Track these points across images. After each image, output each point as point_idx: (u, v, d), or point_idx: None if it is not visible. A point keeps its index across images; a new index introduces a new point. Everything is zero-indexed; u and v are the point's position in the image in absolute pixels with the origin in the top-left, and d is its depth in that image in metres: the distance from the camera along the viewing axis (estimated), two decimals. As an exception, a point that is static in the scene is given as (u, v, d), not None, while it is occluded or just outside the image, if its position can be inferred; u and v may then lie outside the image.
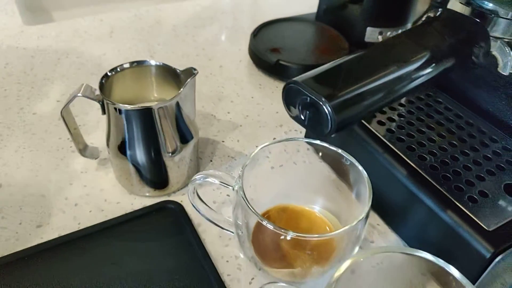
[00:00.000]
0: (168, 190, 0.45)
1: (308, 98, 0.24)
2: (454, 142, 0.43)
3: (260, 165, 0.36)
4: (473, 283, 0.29)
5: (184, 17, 0.78)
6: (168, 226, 0.41)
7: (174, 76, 0.43)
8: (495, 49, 0.35)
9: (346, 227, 0.28)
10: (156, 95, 0.46)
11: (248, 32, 0.68)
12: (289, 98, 0.26)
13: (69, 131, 0.43)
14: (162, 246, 0.39)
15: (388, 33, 0.62)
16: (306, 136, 0.49)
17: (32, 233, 0.40)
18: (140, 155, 0.41)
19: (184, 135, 0.43)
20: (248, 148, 0.51)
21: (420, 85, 0.29)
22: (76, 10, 0.85)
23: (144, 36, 0.71)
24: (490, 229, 0.35)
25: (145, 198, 0.44)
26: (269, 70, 0.63)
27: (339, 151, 0.35)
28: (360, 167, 0.33)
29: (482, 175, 0.40)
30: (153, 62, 0.44)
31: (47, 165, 0.47)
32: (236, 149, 0.51)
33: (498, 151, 0.42)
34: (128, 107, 0.38)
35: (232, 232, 0.39)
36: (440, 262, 0.28)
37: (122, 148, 0.41)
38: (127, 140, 0.41)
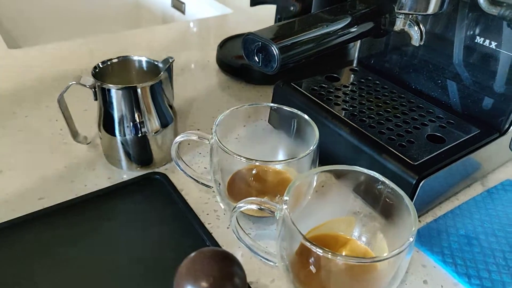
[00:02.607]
0: (153, 166, 0.52)
1: (260, 43, 0.33)
2: (389, 110, 0.52)
3: (231, 125, 0.44)
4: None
5: (158, 39, 0.87)
6: (155, 191, 0.48)
7: (154, 68, 0.51)
8: (406, 25, 0.46)
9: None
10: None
11: (215, 46, 0.78)
12: (247, 49, 0.35)
13: (65, 117, 0.50)
14: (151, 205, 0.46)
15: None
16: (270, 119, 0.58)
17: (35, 204, 0.46)
18: (128, 133, 0.49)
19: (165, 116, 0.51)
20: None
21: (345, 41, 0.39)
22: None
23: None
24: (415, 163, 0.44)
25: (134, 173, 0.51)
26: (235, 74, 0.72)
27: (294, 110, 0.44)
28: (313, 124, 0.42)
29: (410, 130, 0.49)
30: (136, 57, 0.52)
31: (41, 155, 0.54)
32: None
33: (423, 113, 0.52)
34: (117, 86, 0.46)
35: (210, 186, 0.46)
36: (372, 172, 0.36)
37: (112, 128, 0.49)
38: (116, 119, 0.48)
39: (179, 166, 0.46)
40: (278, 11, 0.79)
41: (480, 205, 0.48)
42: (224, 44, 0.77)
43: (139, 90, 0.47)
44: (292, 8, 0.74)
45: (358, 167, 0.37)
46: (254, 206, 0.36)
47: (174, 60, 0.49)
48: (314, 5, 0.70)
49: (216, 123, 0.42)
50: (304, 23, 0.37)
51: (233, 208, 0.36)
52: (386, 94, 0.56)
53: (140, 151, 0.51)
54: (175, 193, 0.48)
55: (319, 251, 0.31)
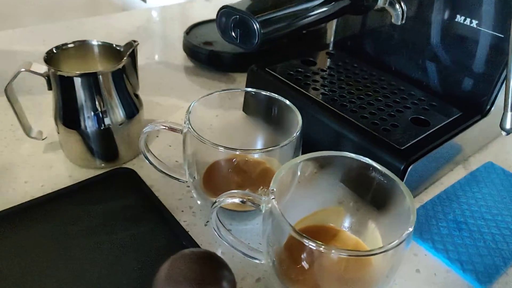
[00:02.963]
0: (119, 162, 0.47)
1: (238, 16, 0.29)
2: (369, 93, 0.50)
3: (203, 114, 0.40)
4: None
5: (120, 27, 0.81)
6: (123, 188, 0.44)
7: (116, 53, 0.47)
8: (387, 3, 0.43)
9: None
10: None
11: (181, 34, 0.73)
12: (223, 23, 0.31)
13: (14, 110, 0.44)
14: (119, 205, 0.41)
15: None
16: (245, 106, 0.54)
17: (-15, 208, 0.41)
18: (89, 125, 0.44)
19: (130, 106, 0.46)
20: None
21: (326, 16, 0.36)
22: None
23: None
24: (402, 148, 0.41)
25: (97, 170, 0.46)
26: (204, 62, 0.68)
27: (273, 95, 0.41)
28: (294, 108, 0.39)
29: (393, 113, 0.47)
30: (95, 42, 0.47)
31: (-8, 152, 0.48)
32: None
33: (404, 96, 0.50)
34: (74, 73, 0.41)
35: (184, 181, 0.42)
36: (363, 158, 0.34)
37: (71, 121, 0.44)
38: (75, 111, 0.43)
39: (148, 159, 0.42)
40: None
41: (465, 188, 0.47)
42: (191, 31, 0.72)
43: (100, 77, 0.42)
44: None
45: (346, 152, 0.34)
46: (236, 200, 0.32)
47: (138, 43, 0.45)
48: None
49: (189, 110, 0.38)
50: None
51: (213, 203, 0.33)
52: (366, 77, 0.54)
53: (104, 146, 0.46)
54: (145, 190, 0.43)
55: (311, 245, 0.28)
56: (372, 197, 0.35)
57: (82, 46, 0.47)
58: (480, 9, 0.45)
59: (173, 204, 0.43)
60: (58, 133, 0.46)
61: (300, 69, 0.54)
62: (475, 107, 0.48)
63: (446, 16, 0.48)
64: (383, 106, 0.48)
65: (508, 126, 0.38)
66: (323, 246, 0.28)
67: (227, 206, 0.40)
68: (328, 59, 0.57)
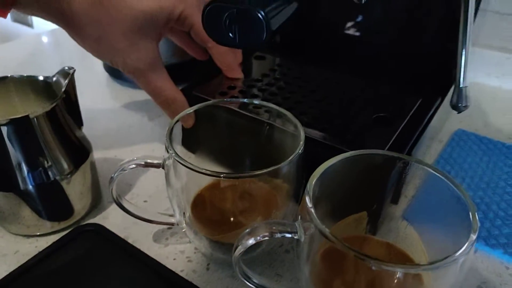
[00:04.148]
0: (74, 217, 0.38)
1: (235, 10, 0.23)
2: (319, 99, 0.44)
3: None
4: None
5: (12, 57, 0.69)
6: (92, 251, 0.35)
7: (45, 87, 0.37)
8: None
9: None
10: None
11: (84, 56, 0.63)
12: (214, 22, 0.25)
13: None
14: (99, 271, 0.33)
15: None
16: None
17: None
18: (30, 183, 0.34)
19: (77, 149, 0.37)
20: (138, 151, 0.48)
21: None
22: None
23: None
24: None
25: (50, 236, 0.37)
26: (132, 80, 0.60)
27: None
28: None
29: (354, 117, 0.41)
30: (10, 76, 0.37)
31: None
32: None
33: (357, 93, 0.45)
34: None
35: (171, 223, 0.35)
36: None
37: (5, 182, 0.34)
38: (8, 168, 0.34)
39: (125, 209, 0.34)
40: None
41: (450, 162, 0.46)
42: (109, 49, 0.64)
43: (34, 121, 0.33)
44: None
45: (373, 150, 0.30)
46: (260, 237, 0.26)
47: (74, 70, 0.36)
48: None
49: (171, 135, 0.31)
50: None
51: (235, 250, 0.27)
52: (308, 80, 0.47)
53: (54, 203, 0.37)
54: (122, 245, 0.35)
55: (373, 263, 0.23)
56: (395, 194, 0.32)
57: (-3, 85, 0.37)
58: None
59: (160, 253, 0.36)
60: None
61: (232, 85, 0.46)
62: (433, 90, 0.46)
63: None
64: (339, 110, 0.42)
65: (465, 104, 0.36)
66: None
67: (225, 238, 0.34)
68: (259, 65, 0.51)
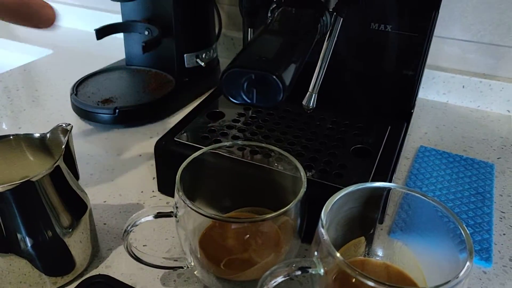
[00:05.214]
0: (77, 270, 0.38)
1: (253, 75, 0.25)
2: (297, 134, 0.47)
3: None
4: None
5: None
6: (104, 303, 0.35)
7: (39, 145, 0.38)
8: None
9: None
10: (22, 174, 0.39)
11: (57, 97, 0.63)
12: (233, 86, 0.27)
13: None
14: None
15: (203, 54, 0.68)
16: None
17: None
18: (33, 243, 0.34)
19: (78, 203, 0.38)
20: (130, 199, 0.48)
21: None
22: None
23: None
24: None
25: (55, 292, 0.37)
26: (108, 122, 0.60)
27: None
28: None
29: (333, 151, 0.44)
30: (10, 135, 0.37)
31: None
32: (123, 202, 0.47)
33: (331, 126, 0.49)
34: (2, 186, 0.32)
35: (181, 267, 0.36)
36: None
37: (7, 244, 0.34)
38: (11, 231, 0.33)
39: (141, 259, 0.34)
40: (130, 40, 0.69)
41: (420, 177, 0.51)
42: (77, 92, 0.63)
43: (37, 184, 0.33)
44: (147, 32, 0.66)
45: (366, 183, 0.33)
46: (281, 278, 0.29)
47: (72, 126, 0.37)
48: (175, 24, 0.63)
49: (180, 184, 0.32)
50: (278, 38, 0.30)
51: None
52: (283, 115, 0.50)
53: (57, 259, 0.37)
54: (133, 294, 0.36)
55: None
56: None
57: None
58: (393, 12, 0.48)
59: (172, 297, 0.37)
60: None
61: (212, 127, 0.48)
62: (399, 116, 0.50)
63: (359, 25, 0.50)
64: (318, 145, 0.46)
65: (311, 105, 0.40)
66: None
67: (240, 278, 0.35)
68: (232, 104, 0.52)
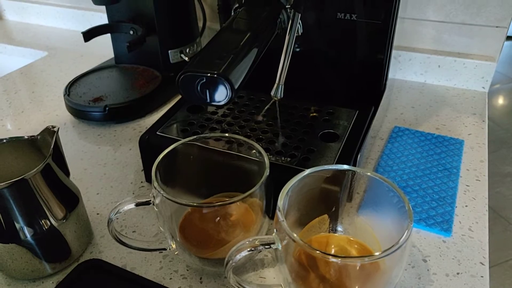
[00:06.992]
0: (73, 256, 0.42)
1: (205, 79, 0.29)
2: (270, 122, 0.50)
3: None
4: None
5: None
6: (100, 282, 0.39)
7: (31, 145, 0.41)
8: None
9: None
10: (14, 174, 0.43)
11: (52, 97, 0.67)
12: (187, 88, 0.30)
13: None
14: (104, 302, 0.38)
15: (187, 49, 0.71)
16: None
17: None
18: (31, 233, 0.38)
19: (69, 197, 0.42)
20: (121, 190, 0.52)
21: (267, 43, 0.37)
22: None
23: None
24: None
25: (52, 277, 0.41)
26: (99, 119, 0.64)
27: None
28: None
29: (302, 137, 0.48)
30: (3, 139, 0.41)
31: None
32: (115, 193, 0.51)
33: (302, 113, 0.52)
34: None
35: (164, 249, 0.40)
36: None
37: (7, 235, 0.38)
38: (10, 224, 0.37)
39: (124, 243, 0.39)
40: (117, 39, 0.73)
41: (391, 157, 0.54)
42: (70, 92, 0.67)
43: (30, 181, 0.37)
44: (132, 32, 0.69)
45: (325, 166, 0.37)
46: (246, 252, 0.32)
47: (58, 128, 0.41)
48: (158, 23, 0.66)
49: (156, 177, 0.36)
50: (230, 39, 0.34)
51: (226, 263, 0.32)
52: (257, 106, 0.54)
53: (54, 247, 0.41)
54: (123, 275, 0.40)
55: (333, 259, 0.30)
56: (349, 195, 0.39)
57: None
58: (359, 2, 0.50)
59: (157, 275, 0.41)
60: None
61: (192, 121, 0.51)
62: (366, 101, 0.53)
63: (326, 15, 0.53)
64: (290, 132, 0.49)
65: (279, 96, 0.44)
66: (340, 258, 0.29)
67: (214, 256, 0.39)
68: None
